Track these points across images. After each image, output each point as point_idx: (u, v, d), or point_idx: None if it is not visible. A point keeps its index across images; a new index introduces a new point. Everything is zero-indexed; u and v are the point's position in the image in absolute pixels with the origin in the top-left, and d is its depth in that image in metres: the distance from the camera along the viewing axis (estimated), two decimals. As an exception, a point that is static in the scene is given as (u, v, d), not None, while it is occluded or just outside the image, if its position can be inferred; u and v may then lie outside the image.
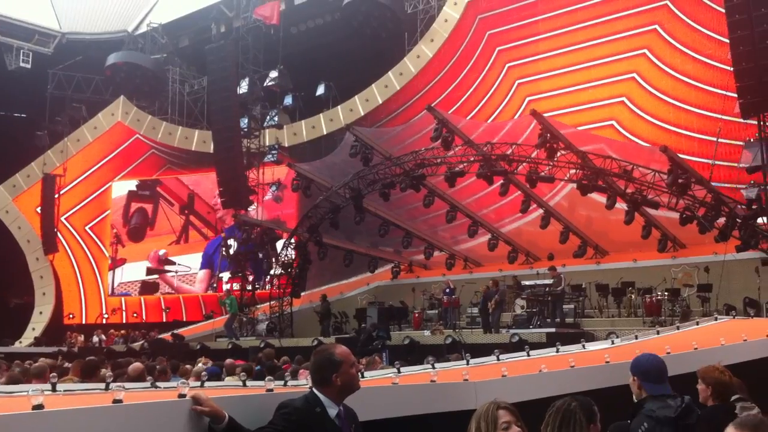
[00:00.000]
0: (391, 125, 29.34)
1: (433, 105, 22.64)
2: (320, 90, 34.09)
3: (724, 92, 23.18)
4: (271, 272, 28.17)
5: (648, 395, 4.49)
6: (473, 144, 21.41)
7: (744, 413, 5.50)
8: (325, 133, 32.86)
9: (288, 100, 34.14)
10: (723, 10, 19.13)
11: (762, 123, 18.65)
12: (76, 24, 39.77)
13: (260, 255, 28.86)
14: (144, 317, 36.43)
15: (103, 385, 4.31)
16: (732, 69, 18.83)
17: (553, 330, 18.11)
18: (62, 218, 37.41)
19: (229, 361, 12.45)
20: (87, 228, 38.57)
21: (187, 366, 12.22)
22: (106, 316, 36.52)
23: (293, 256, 26.77)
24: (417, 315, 24.53)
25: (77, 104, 38.71)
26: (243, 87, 31.57)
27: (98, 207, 38.85)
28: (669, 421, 4.30)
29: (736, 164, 23.20)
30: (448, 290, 23.45)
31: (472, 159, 21.16)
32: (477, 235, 25.48)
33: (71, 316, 36.54)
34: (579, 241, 24.40)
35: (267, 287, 27.22)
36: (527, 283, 21.57)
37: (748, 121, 20.35)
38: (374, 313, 23.34)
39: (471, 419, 3.48)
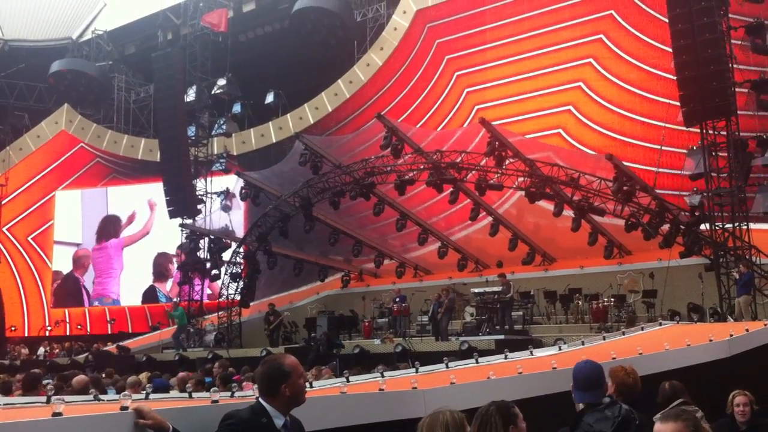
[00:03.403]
0: (340, 133, 29.35)
1: (382, 113, 22.67)
2: (269, 98, 33.85)
3: (667, 101, 23.60)
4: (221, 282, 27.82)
5: (586, 404, 4.41)
6: (423, 152, 21.49)
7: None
8: (274, 141, 32.72)
9: (236, 108, 33.79)
10: (667, 20, 19.46)
11: (704, 131, 18.99)
12: (19, 31, 39.04)
13: (208, 265, 28.41)
14: (89, 329, 35.72)
15: (44, 399, 4.22)
16: (675, 78, 19.17)
17: (502, 337, 18.26)
18: (4, 229, 36.53)
19: (181, 375, 12.24)
20: (29, 239, 37.68)
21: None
22: (49, 328, 35.74)
23: (242, 266, 26.54)
24: (367, 324, 24.47)
25: (20, 112, 37.87)
26: (190, 95, 31.27)
27: (41, 217, 37.98)
28: None
29: (679, 172, 23.63)
30: (398, 299, 23.45)
31: (421, 167, 21.26)
32: (427, 243, 25.61)
33: (13, 328, 35.71)
34: (527, 248, 24.64)
35: (220, 298, 26.87)
36: (477, 290, 21.68)
37: (691, 130, 20.75)
38: (324, 322, 23.27)
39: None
